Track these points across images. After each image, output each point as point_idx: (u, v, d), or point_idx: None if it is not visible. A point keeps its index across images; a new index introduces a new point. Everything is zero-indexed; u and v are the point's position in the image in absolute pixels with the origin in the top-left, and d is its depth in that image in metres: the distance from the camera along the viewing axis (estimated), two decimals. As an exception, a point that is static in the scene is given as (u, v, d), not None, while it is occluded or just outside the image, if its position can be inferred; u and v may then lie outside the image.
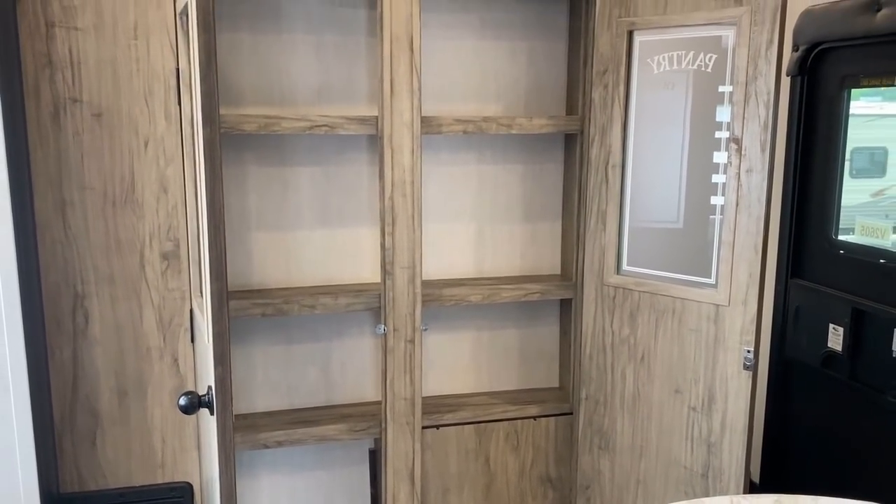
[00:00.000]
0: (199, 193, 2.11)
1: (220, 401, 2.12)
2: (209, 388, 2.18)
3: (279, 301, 2.94)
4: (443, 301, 3.10)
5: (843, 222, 3.34)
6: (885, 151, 3.44)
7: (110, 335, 2.69)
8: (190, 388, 2.78)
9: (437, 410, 3.20)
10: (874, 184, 3.35)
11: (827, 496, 2.07)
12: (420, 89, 2.86)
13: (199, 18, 1.96)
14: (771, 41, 2.49)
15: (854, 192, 3.43)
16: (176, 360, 2.76)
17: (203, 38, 1.97)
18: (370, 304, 3.02)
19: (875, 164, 3.35)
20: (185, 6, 2.29)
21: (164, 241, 2.69)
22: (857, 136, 3.30)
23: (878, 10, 2.96)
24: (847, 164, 3.48)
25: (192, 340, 2.75)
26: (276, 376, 3.12)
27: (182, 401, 2.18)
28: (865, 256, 3.15)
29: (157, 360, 2.74)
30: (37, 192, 2.52)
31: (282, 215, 3.08)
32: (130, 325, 2.70)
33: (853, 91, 3.23)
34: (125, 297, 2.69)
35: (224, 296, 2.08)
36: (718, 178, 2.73)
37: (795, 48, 3.39)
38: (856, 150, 3.48)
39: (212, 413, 2.18)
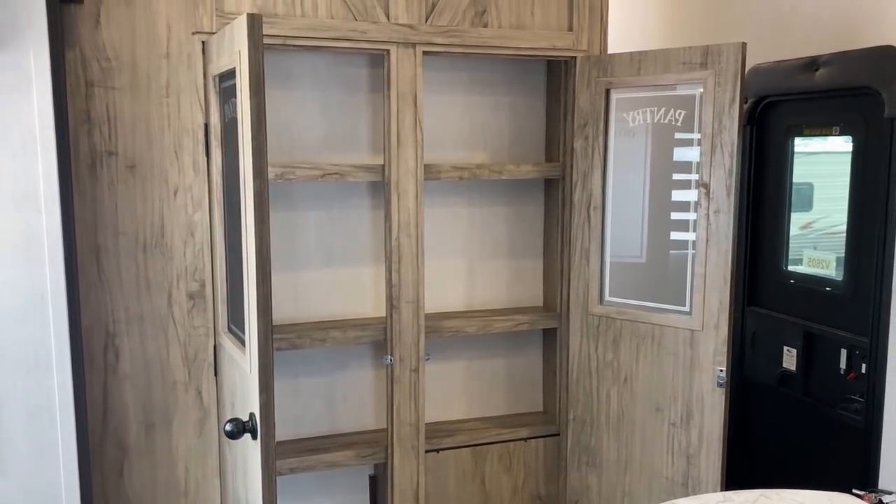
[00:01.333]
0: (245, 238, 2.35)
1: (263, 426, 2.34)
2: (251, 415, 2.40)
3: (292, 336, 3.16)
4: (442, 332, 3.37)
5: (792, 253, 3.75)
6: (811, 187, 3.83)
7: (139, 371, 2.87)
8: (212, 419, 2.96)
9: (436, 435, 3.45)
10: (803, 217, 3.69)
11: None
12: (423, 140, 3.17)
13: (251, 83, 2.22)
14: (733, 99, 2.88)
15: (812, 217, 3.82)
16: (200, 393, 2.94)
17: (254, 101, 2.23)
18: (376, 336, 3.27)
19: (803, 198, 3.71)
20: (225, 71, 2.55)
21: (191, 282, 2.89)
22: (816, 161, 3.65)
23: (817, 69, 3.42)
24: (803, 188, 3.88)
25: (216, 374, 2.95)
26: (283, 407, 3.32)
27: (228, 427, 2.39)
28: (813, 285, 3.57)
29: (183, 394, 2.93)
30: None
31: (290, 256, 3.32)
32: (158, 360, 2.88)
33: (796, 139, 3.68)
34: (153, 335, 2.87)
35: (269, 330, 2.31)
36: (689, 216, 3.10)
37: (745, 100, 3.84)
38: (797, 186, 3.89)
39: (254, 438, 2.39)
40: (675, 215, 3.21)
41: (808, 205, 3.73)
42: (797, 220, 3.67)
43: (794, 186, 3.71)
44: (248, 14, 2.19)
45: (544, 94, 3.61)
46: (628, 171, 3.28)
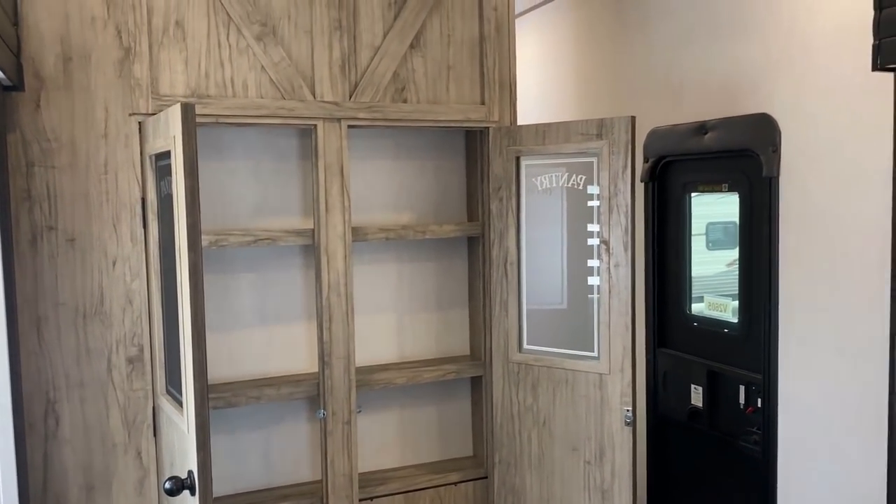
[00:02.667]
0: (181, 307, 2.53)
1: (202, 483, 2.50)
2: (189, 472, 2.55)
3: (228, 394, 3.32)
4: (372, 385, 3.57)
5: (696, 293, 4.06)
6: (735, 225, 4.14)
7: (79, 435, 2.99)
8: (152, 478, 3.09)
9: (370, 484, 3.62)
10: (728, 254, 3.88)
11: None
12: (350, 206, 3.41)
13: (185, 166, 2.44)
14: (626, 166, 3.21)
15: (713, 264, 4.12)
16: (139, 453, 3.07)
17: (188, 182, 2.44)
18: (309, 391, 3.46)
19: (728, 236, 3.92)
20: (161, 152, 2.75)
21: (130, 347, 3.04)
22: (711, 211, 3.96)
23: (706, 133, 3.82)
24: (703, 238, 4.20)
25: (155, 435, 3.08)
26: (220, 463, 3.45)
27: (167, 485, 2.54)
28: (714, 327, 3.92)
29: (122, 455, 3.05)
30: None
31: (226, 317, 3.49)
32: (98, 424, 3.01)
33: (692, 194, 4.06)
34: (93, 399, 3.00)
35: (205, 391, 2.49)
36: (593, 264, 3.39)
37: (646, 160, 4.23)
38: (711, 225, 4.20)
39: (192, 494, 2.55)
40: (585, 266, 3.51)
41: (734, 242, 3.98)
42: (723, 257, 3.91)
43: (719, 224, 3.97)
44: (181, 104, 2.42)
45: (464, 157, 3.91)
46: (541, 229, 3.58)
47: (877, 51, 2.83)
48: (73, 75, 2.92)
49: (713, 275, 4.02)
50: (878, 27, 2.83)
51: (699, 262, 4.07)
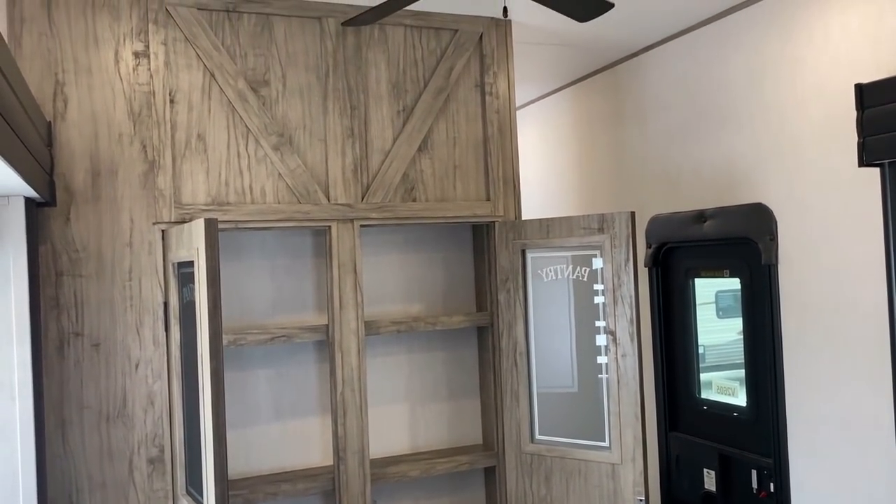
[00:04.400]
0: (203, 412, 2.63)
1: (222, 586, 2.54)
2: (210, 576, 2.59)
3: (245, 491, 3.37)
4: (387, 479, 3.61)
5: (708, 363, 4.10)
6: (734, 294, 4.07)
7: (100, 537, 3.04)
8: (171, 579, 3.12)
9: (386, 578, 3.62)
10: (738, 323, 3.93)
11: None
12: (363, 302, 3.53)
13: (208, 277, 2.57)
14: (628, 259, 3.34)
15: (723, 332, 4.16)
16: (159, 554, 3.11)
17: (211, 292, 2.57)
18: (324, 486, 3.50)
19: (737, 303, 3.95)
20: (184, 261, 2.90)
21: (151, 448, 3.12)
22: (718, 281, 4.02)
23: (705, 220, 3.95)
24: (713, 306, 4.26)
25: (174, 535, 3.13)
26: (239, 561, 3.47)
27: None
28: (723, 411, 3.96)
29: (142, 557, 3.09)
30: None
31: (243, 412, 3.57)
32: (119, 526, 3.06)
33: (696, 279, 4.16)
34: (115, 500, 3.06)
35: (226, 495, 2.55)
36: (601, 359, 3.48)
37: (649, 245, 4.36)
38: (720, 293, 4.27)
39: None
40: (593, 353, 3.59)
41: (735, 312, 4.00)
42: (733, 325, 3.95)
43: (728, 292, 4.02)
44: (205, 219, 2.57)
45: (471, 249, 4.05)
46: (549, 318, 3.68)
47: (861, 148, 2.99)
48: (101, 189, 3.10)
49: (725, 343, 4.06)
50: (862, 126, 2.99)
51: (708, 332, 4.11)
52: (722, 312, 4.18)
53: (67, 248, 3.05)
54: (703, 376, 4.14)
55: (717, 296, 4.18)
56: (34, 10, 3.05)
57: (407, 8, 3.00)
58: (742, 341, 3.83)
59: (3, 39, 1.98)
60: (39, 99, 3.04)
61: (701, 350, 4.18)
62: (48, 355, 2.99)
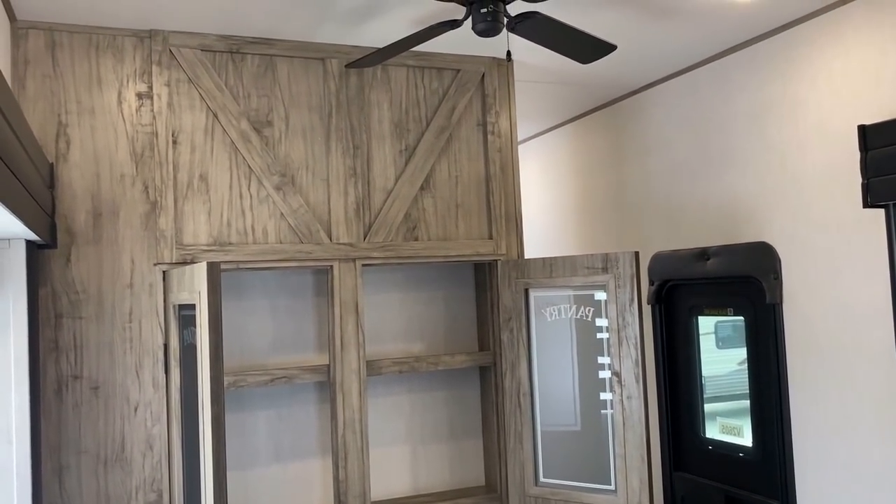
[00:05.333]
0: (203, 458, 2.58)
1: None
2: None
3: (245, 536, 3.31)
4: (389, 522, 3.55)
5: (708, 420, 4.07)
6: (741, 325, 4.05)
7: (96, 586, 2.97)
8: None
9: None
10: (738, 354, 3.92)
11: None
12: (364, 342, 3.50)
13: (210, 322, 2.54)
14: (632, 299, 3.31)
15: (723, 363, 4.12)
16: None
17: (212, 336, 2.54)
18: (326, 530, 3.44)
19: (738, 334, 3.95)
20: (185, 304, 2.87)
21: (149, 492, 3.06)
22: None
23: (708, 258, 3.93)
24: (713, 336, 4.22)
25: (171, 583, 3.06)
26: None
27: None
28: (728, 451, 3.91)
29: None
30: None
31: (242, 454, 3.52)
32: (115, 574, 3.00)
33: (699, 317, 4.13)
34: (111, 548, 3.00)
35: (226, 545, 2.50)
36: (608, 396, 3.43)
37: (651, 283, 4.33)
38: (719, 324, 4.23)
39: None
40: (597, 394, 3.55)
41: (742, 341, 3.94)
42: (733, 356, 3.92)
43: (727, 323, 3.99)
44: (207, 263, 2.55)
45: (473, 287, 4.02)
46: (553, 358, 3.65)
47: (866, 189, 2.99)
48: (103, 230, 3.08)
49: (725, 374, 4.02)
50: (866, 167, 2.99)
51: (708, 362, 4.08)
52: (721, 343, 4.14)
53: (68, 289, 3.02)
54: (708, 413, 4.10)
55: (716, 326, 4.14)
56: (38, 52, 3.06)
57: (410, 49, 3.02)
58: (744, 371, 3.78)
59: (7, 85, 1.98)
60: (42, 140, 3.03)
61: (702, 371, 4.13)
62: (46, 399, 2.95)
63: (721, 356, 4.11)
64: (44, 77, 3.06)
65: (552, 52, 3.32)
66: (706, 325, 4.12)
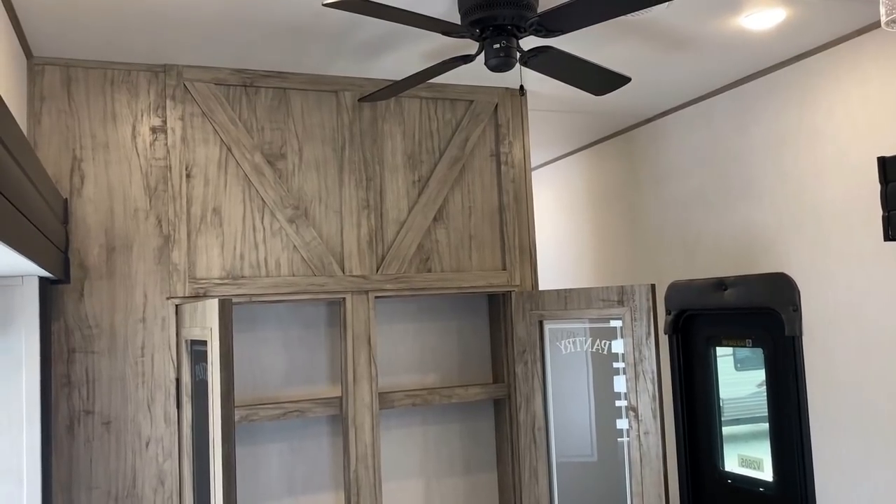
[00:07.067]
0: (213, 495, 2.55)
1: None
2: None
3: (256, 573, 3.27)
4: (402, 559, 3.50)
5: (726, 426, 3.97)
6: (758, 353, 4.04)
7: None
8: None
9: None
10: (757, 375, 3.85)
11: None
12: (377, 376, 3.46)
13: (221, 359, 2.52)
14: (649, 333, 3.26)
15: (742, 384, 4.04)
16: None
17: (224, 374, 2.52)
18: (338, 567, 3.39)
19: (756, 355, 3.88)
20: (196, 339, 2.85)
21: (160, 530, 3.04)
22: None
23: (725, 289, 3.88)
24: (731, 359, 4.14)
25: None
26: None
27: None
28: (748, 485, 3.83)
29: None
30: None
31: (254, 489, 3.48)
32: None
33: (716, 348, 4.07)
34: (121, 587, 2.97)
35: (236, 587, 2.46)
36: (622, 425, 3.37)
37: (668, 312, 4.27)
38: (738, 349, 4.14)
39: None
40: (614, 427, 3.49)
41: (760, 363, 3.86)
42: (752, 378, 3.84)
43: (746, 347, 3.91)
44: (219, 300, 2.53)
45: (487, 318, 3.98)
46: (568, 391, 3.59)
47: (887, 222, 2.92)
48: (116, 264, 3.08)
49: (745, 396, 3.94)
50: (886, 200, 2.93)
51: (727, 384, 4.00)
52: (740, 364, 4.07)
53: (80, 324, 3.01)
54: (728, 438, 4.02)
55: (734, 348, 4.07)
56: (54, 88, 3.08)
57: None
58: (763, 393, 3.71)
59: (19, 128, 1.98)
60: (57, 175, 3.05)
61: (721, 404, 4.07)
62: (58, 435, 2.94)
63: (740, 378, 4.04)
64: (59, 112, 3.08)
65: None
66: (723, 348, 4.05)
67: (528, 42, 2.72)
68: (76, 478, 2.95)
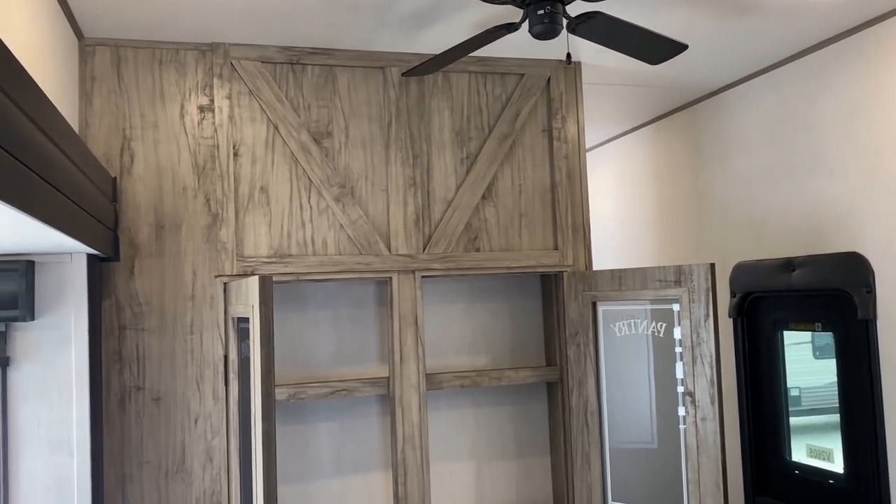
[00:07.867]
0: (255, 471, 2.55)
1: None
2: None
3: (305, 551, 3.27)
4: (451, 541, 3.45)
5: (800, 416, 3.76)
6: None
7: None
8: None
9: None
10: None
11: None
12: (424, 356, 3.41)
13: (261, 336, 2.51)
14: (707, 315, 3.10)
15: (820, 373, 3.81)
16: None
17: (264, 351, 2.50)
18: (386, 548, 3.37)
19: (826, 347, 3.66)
20: (241, 317, 2.86)
21: (209, 505, 3.07)
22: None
23: (793, 269, 3.67)
24: (809, 346, 3.92)
25: None
26: None
27: None
28: (817, 476, 3.63)
29: None
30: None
31: (303, 467, 3.49)
32: (175, 585, 3.01)
33: (784, 332, 3.86)
34: (172, 559, 3.02)
35: (277, 564, 2.45)
36: (681, 410, 3.22)
37: (733, 294, 4.08)
38: (816, 335, 3.90)
39: None
40: (673, 413, 3.34)
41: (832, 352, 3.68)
42: (828, 367, 3.61)
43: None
44: (259, 276, 2.51)
45: (540, 299, 3.88)
46: (623, 375, 3.46)
47: (971, 196, 2.69)
48: (165, 242, 3.11)
49: (823, 385, 3.72)
50: (970, 171, 2.70)
51: (803, 373, 3.78)
52: (819, 352, 3.85)
53: (131, 301, 3.06)
54: (799, 429, 3.81)
55: (812, 334, 3.85)
56: (105, 69, 3.12)
57: (472, 54, 2.92)
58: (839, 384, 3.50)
59: (61, 116, 1.99)
60: (107, 154, 3.09)
61: (796, 393, 3.86)
62: (109, 409, 2.99)
63: (818, 367, 3.82)
64: (109, 92, 3.12)
65: (620, 54, 3.15)
66: (801, 335, 3.82)
67: (576, 8, 2.59)
68: (128, 452, 3.01)
